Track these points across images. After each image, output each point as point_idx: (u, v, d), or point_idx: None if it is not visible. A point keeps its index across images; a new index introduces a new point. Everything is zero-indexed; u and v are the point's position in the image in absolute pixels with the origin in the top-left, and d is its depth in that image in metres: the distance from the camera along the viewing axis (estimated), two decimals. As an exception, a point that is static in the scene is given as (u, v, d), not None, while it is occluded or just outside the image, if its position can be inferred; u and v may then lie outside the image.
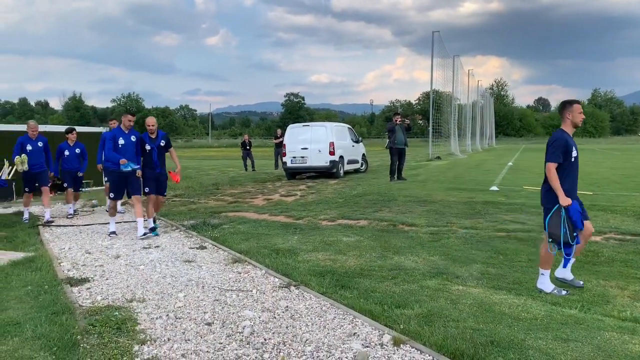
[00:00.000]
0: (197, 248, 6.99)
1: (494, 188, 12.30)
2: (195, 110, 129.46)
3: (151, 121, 8.14)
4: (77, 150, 10.12)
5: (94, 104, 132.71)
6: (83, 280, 5.33)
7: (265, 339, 3.80)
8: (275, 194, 12.70)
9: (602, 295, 4.71)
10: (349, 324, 4.08)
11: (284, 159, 17.13)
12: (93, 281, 5.36)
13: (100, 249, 6.98)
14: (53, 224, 8.96)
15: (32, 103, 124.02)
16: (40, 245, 7.19)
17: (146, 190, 8.14)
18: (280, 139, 20.40)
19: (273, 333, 3.92)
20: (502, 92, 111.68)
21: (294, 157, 16.70)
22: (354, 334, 3.88)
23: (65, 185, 10.16)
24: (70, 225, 8.97)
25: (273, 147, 24.84)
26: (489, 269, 5.60)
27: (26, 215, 9.54)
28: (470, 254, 6.30)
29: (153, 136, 8.14)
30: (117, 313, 4.28)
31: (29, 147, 9.20)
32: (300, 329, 4.00)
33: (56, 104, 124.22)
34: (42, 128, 15.28)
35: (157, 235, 7.92)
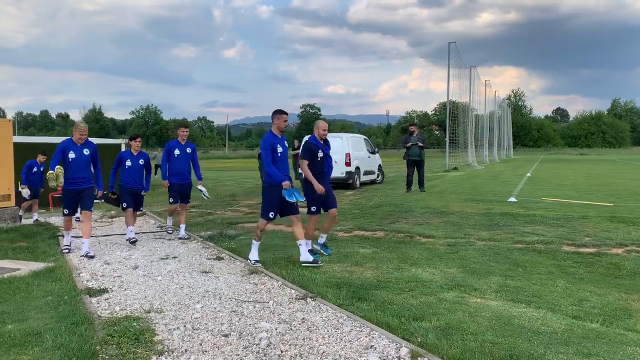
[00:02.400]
0: (214, 259, 7.02)
1: (512, 199, 12.17)
2: (213, 122, 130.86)
3: (326, 125, 7.10)
4: (141, 162, 8.48)
5: (113, 116, 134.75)
6: (102, 291, 5.39)
7: (282, 351, 3.79)
8: (292, 205, 12.70)
9: (624, 309, 4.62)
10: (366, 336, 4.06)
11: (300, 170, 17.18)
12: (112, 292, 5.41)
13: (118, 260, 7.05)
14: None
15: (53, 115, 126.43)
16: (60, 255, 7.29)
17: (313, 209, 6.87)
18: (298, 150, 20.48)
19: (290, 345, 3.91)
20: (519, 103, 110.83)
21: (310, 168, 16.72)
22: (371, 346, 3.86)
23: (124, 205, 8.34)
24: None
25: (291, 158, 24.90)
26: (508, 282, 5.53)
27: (67, 242, 7.77)
28: (489, 266, 6.24)
29: (322, 142, 6.98)
30: (135, 324, 4.31)
31: (71, 155, 7.31)
32: (317, 341, 3.99)
33: (76, 116, 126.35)
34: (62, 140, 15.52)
35: (330, 253, 6.99)
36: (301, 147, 6.65)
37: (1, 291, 5.34)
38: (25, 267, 6.41)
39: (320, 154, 6.89)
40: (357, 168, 16.95)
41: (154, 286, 5.64)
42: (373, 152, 19.05)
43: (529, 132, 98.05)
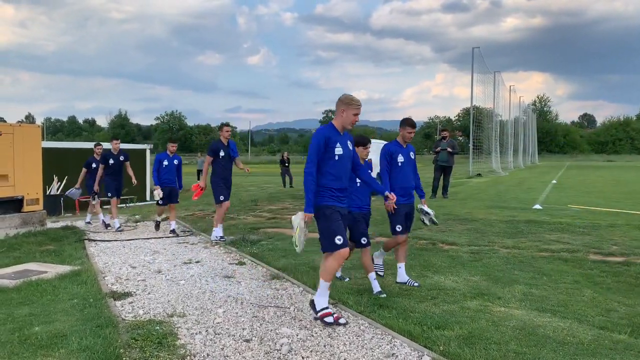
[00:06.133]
0: (236, 264, 7.06)
1: (537, 206, 11.98)
2: (236, 128, 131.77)
3: None
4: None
5: (139, 121, 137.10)
6: (126, 294, 5.46)
7: (303, 357, 3.79)
8: (314, 210, 12.70)
9: (654, 321, 4.50)
10: (388, 344, 4.03)
11: None
12: (135, 295, 5.48)
13: (142, 264, 7.14)
14: (98, 239, 9.22)
15: (80, 121, 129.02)
16: (86, 259, 7.41)
17: None
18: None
19: (311, 351, 3.90)
20: (545, 108, 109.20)
21: (332, 174, 16.75)
22: (393, 354, 3.83)
23: (364, 241, 5.61)
24: (114, 240, 9.22)
25: None
26: (532, 290, 5.44)
27: (324, 304, 4.53)
28: (513, 274, 6.14)
29: None
30: (158, 327, 4.35)
31: (338, 151, 4.93)
32: (338, 347, 3.98)
33: (103, 121, 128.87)
34: (89, 145, 15.79)
35: None
36: None
37: (29, 293, 5.46)
38: (52, 270, 6.54)
39: None
40: (379, 174, 16.94)
41: (177, 290, 5.70)
42: (395, 158, 19.02)
43: (554, 138, 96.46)
